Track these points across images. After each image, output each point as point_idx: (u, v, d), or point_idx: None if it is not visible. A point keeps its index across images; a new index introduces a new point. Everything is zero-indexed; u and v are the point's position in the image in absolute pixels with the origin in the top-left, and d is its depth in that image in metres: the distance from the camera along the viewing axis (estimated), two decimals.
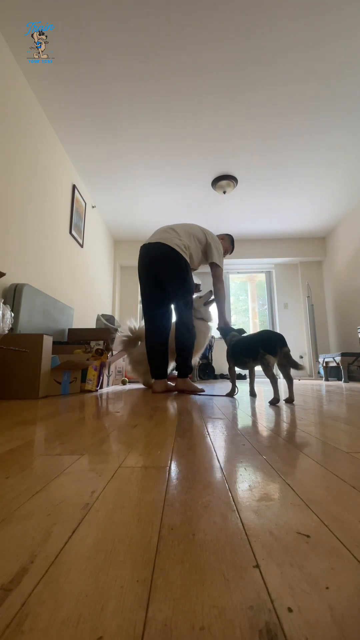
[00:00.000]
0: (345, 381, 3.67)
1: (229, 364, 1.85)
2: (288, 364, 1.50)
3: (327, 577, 0.25)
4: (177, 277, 2.06)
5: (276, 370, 1.58)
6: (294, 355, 5.00)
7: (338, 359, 3.79)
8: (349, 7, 1.94)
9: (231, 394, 1.83)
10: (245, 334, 1.82)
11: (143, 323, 2.74)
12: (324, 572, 0.26)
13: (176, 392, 2.06)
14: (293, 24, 2.03)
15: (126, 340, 2.65)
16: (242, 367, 1.77)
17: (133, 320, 2.74)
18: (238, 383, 3.41)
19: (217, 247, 2.24)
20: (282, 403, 1.47)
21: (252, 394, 1.84)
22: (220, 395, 1.90)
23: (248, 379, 1.93)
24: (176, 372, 2.15)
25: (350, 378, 3.91)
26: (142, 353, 2.40)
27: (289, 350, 1.51)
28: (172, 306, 2.22)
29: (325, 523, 0.34)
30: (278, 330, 5.35)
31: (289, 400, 1.48)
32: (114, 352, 2.79)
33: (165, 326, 2.19)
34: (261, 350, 1.54)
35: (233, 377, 1.91)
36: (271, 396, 1.50)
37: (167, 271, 2.06)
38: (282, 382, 3.57)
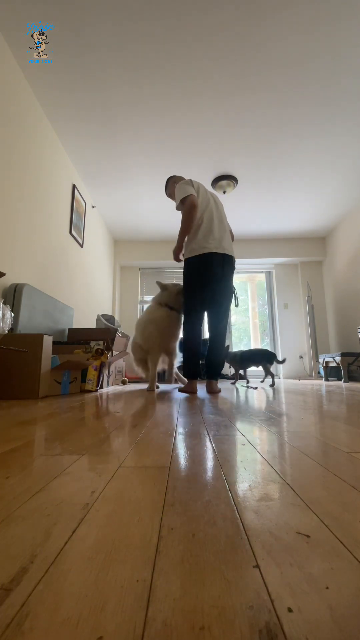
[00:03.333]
0: (345, 381, 3.67)
1: (234, 367, 3.16)
2: (265, 369, 3.02)
3: (327, 577, 0.25)
4: (230, 287, 2.25)
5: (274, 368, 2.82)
6: (295, 355, 5.22)
7: (338, 359, 3.79)
8: (347, 16, 1.95)
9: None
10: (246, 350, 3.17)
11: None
12: (324, 572, 0.26)
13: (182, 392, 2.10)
14: (292, 30, 2.03)
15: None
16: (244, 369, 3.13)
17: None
18: (239, 382, 3.48)
19: None
20: (282, 402, 1.48)
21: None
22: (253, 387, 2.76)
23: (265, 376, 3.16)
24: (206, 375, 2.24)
25: (350, 378, 3.91)
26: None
27: (267, 364, 3.01)
28: (209, 313, 2.28)
29: (325, 523, 0.34)
30: (278, 331, 5.42)
31: (271, 385, 2.78)
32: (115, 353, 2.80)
33: (201, 332, 2.31)
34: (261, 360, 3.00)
35: (236, 374, 3.22)
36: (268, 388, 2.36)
37: (226, 282, 2.19)
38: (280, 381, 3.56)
